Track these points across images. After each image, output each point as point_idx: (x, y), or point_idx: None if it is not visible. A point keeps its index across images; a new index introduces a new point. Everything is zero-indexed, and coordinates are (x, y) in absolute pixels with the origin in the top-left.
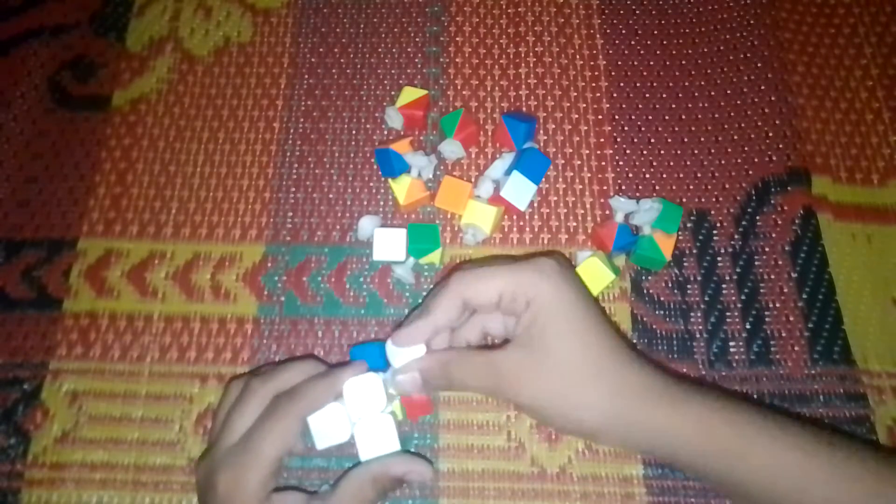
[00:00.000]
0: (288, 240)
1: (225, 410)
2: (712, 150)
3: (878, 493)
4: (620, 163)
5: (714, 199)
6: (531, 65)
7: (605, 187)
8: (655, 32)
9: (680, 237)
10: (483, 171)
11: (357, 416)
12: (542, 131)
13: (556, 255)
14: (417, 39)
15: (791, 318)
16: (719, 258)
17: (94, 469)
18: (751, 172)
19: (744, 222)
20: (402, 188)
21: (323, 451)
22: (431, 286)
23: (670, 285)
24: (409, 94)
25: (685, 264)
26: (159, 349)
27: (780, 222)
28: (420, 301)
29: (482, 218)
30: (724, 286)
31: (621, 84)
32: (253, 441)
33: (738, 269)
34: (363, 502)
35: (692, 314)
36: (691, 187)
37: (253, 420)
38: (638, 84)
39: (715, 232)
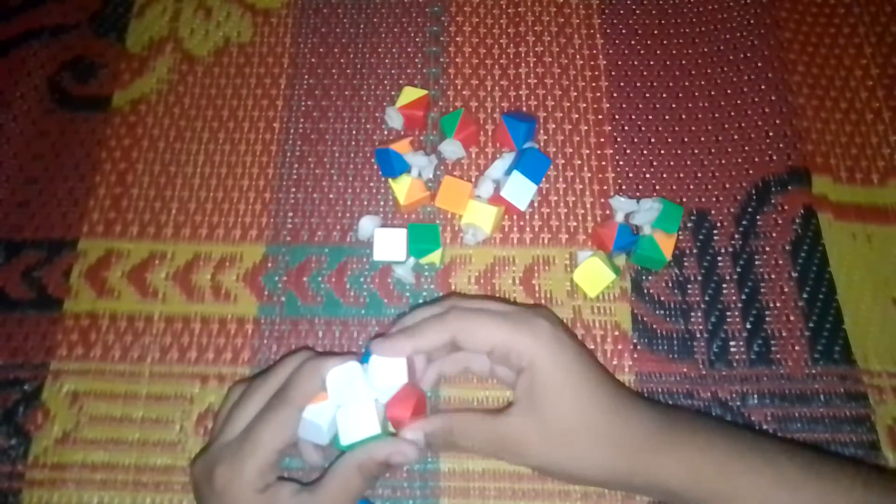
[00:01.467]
0: (288, 240)
1: (226, 412)
2: (712, 150)
3: None
4: (621, 163)
5: (714, 199)
6: (531, 65)
7: (605, 187)
8: (655, 32)
9: (680, 237)
10: (483, 170)
11: (340, 402)
12: (542, 131)
13: (548, 315)
14: (417, 39)
15: (791, 318)
16: (720, 258)
17: (95, 470)
18: (751, 172)
19: (744, 222)
20: (403, 188)
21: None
22: (432, 287)
23: (671, 285)
24: (409, 94)
25: (685, 264)
26: (160, 350)
27: (780, 222)
28: (420, 301)
29: (482, 218)
30: (724, 286)
31: (621, 84)
32: (252, 433)
33: (738, 269)
34: (351, 490)
35: (692, 314)
36: (691, 187)
37: (250, 417)
38: (638, 84)
39: (715, 232)
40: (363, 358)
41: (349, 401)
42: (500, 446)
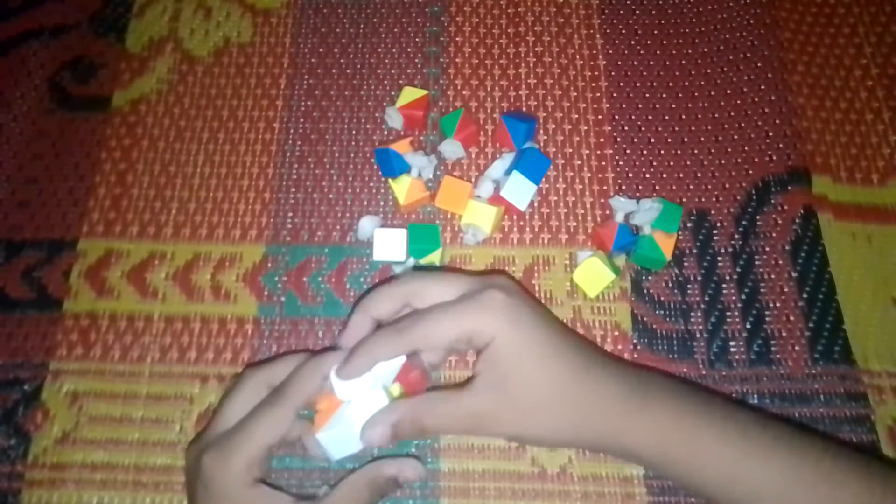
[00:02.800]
0: (288, 240)
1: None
2: (712, 150)
3: (829, 498)
4: (620, 163)
5: (714, 199)
6: (531, 65)
7: (605, 187)
8: (655, 32)
9: (680, 237)
10: (483, 171)
11: (346, 398)
12: (542, 131)
13: (504, 284)
14: (417, 39)
15: (791, 318)
16: (719, 258)
17: (95, 470)
18: (751, 172)
19: (744, 222)
20: (402, 188)
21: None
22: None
23: (670, 285)
24: (409, 94)
25: (685, 264)
26: (160, 350)
27: (780, 222)
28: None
29: (482, 218)
30: (724, 286)
31: (621, 84)
32: (246, 425)
33: (738, 269)
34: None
35: (692, 314)
36: (691, 187)
37: (244, 409)
38: (638, 84)
39: (715, 232)
40: None
41: (355, 394)
42: (470, 423)
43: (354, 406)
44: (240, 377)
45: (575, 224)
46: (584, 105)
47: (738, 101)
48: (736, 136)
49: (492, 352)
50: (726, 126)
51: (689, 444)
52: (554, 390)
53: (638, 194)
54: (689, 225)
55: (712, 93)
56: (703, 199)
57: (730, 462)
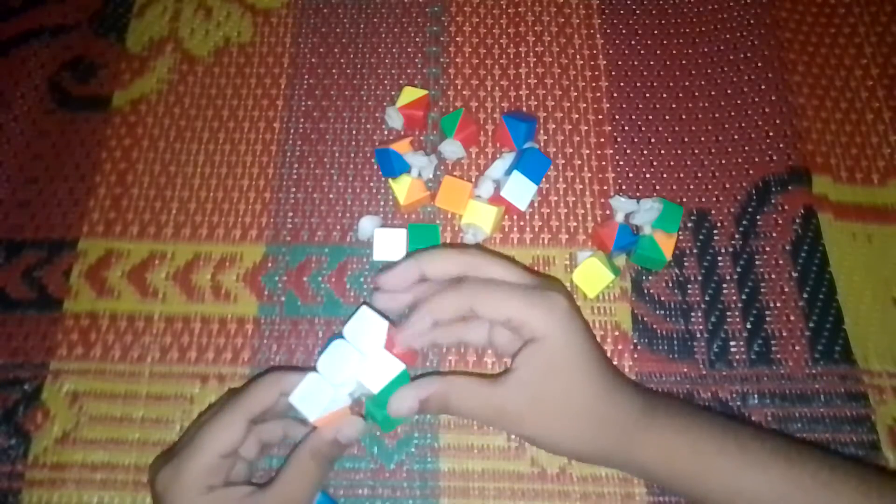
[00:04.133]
0: (288, 240)
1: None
2: (712, 150)
3: (827, 501)
4: (621, 163)
5: (714, 199)
6: (531, 65)
7: (605, 187)
8: (655, 32)
9: (680, 237)
10: (483, 171)
11: (337, 381)
12: (542, 131)
13: (564, 290)
14: (417, 39)
15: (792, 318)
16: (720, 258)
17: (95, 469)
18: (751, 172)
19: (744, 222)
20: (403, 188)
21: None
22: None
23: (671, 285)
24: (409, 94)
25: (686, 264)
26: (160, 349)
27: (780, 222)
28: None
29: (482, 218)
30: (724, 286)
31: (621, 84)
32: (196, 436)
33: (738, 269)
34: (308, 478)
35: (693, 314)
36: (691, 187)
37: None
38: (638, 84)
39: (715, 232)
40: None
41: (343, 375)
42: (495, 415)
43: (324, 361)
44: (220, 400)
45: (575, 224)
46: (585, 105)
47: (738, 101)
48: (736, 136)
49: (538, 350)
50: (726, 126)
51: (692, 458)
52: (584, 403)
53: (638, 194)
54: (689, 225)
55: (712, 93)
56: (703, 199)
57: (730, 473)
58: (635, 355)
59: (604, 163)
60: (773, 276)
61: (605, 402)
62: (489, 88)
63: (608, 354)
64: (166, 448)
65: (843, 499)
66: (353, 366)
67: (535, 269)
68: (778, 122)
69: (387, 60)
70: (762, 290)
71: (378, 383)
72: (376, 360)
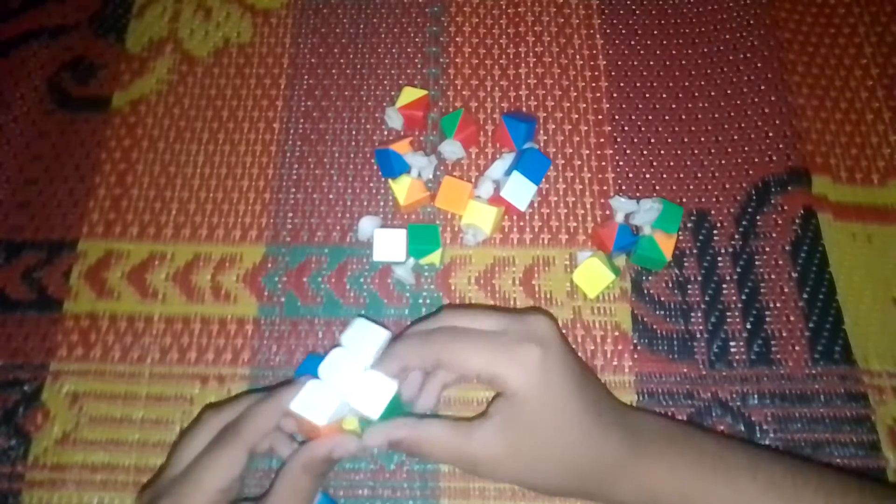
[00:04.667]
0: (288, 240)
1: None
2: (712, 150)
3: None
4: (620, 163)
5: (714, 199)
6: (531, 65)
7: (605, 187)
8: (655, 32)
9: (680, 237)
10: (483, 171)
11: (340, 389)
12: (542, 131)
13: (542, 336)
14: (417, 39)
15: (792, 318)
16: (720, 258)
17: (95, 470)
18: (751, 172)
19: (744, 222)
20: (402, 189)
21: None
22: (432, 288)
23: (671, 285)
24: (409, 94)
25: (685, 264)
26: (160, 350)
27: (780, 222)
28: (419, 302)
29: (482, 218)
30: (724, 286)
31: (621, 84)
32: (194, 471)
33: (738, 269)
34: (300, 492)
35: (693, 314)
36: (691, 187)
37: (198, 451)
38: (638, 84)
39: (715, 232)
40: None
41: (345, 383)
42: (468, 465)
43: (325, 368)
44: (198, 418)
45: (575, 224)
46: (584, 105)
47: (738, 101)
48: (736, 136)
49: (513, 404)
50: (726, 126)
51: (694, 475)
52: (564, 449)
53: (638, 194)
54: (689, 225)
55: (712, 93)
56: (703, 200)
57: (735, 488)
58: (635, 355)
59: (603, 163)
60: (773, 277)
61: (586, 449)
62: (489, 89)
63: (608, 355)
64: (151, 478)
65: None
66: (353, 375)
67: (534, 269)
68: (777, 122)
69: (387, 60)
70: (762, 290)
71: (375, 408)
72: (370, 382)
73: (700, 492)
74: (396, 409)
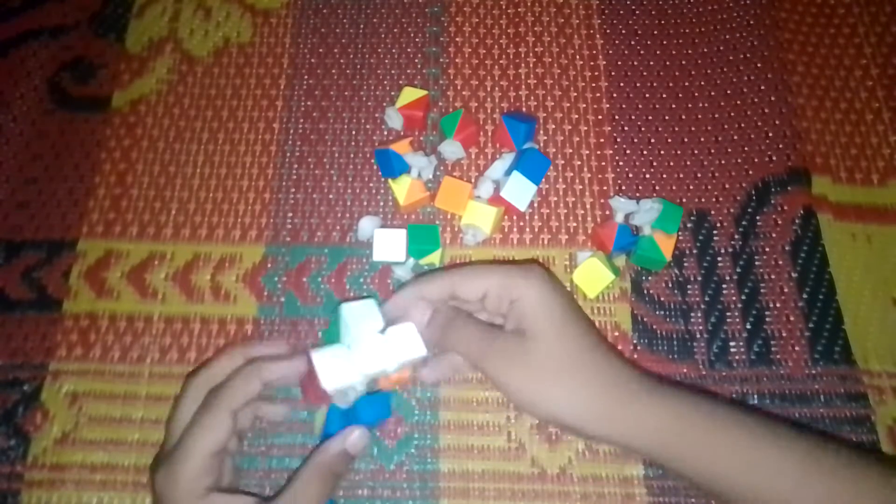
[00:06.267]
0: (288, 240)
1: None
2: (712, 150)
3: (849, 490)
4: (620, 163)
5: (714, 199)
6: (531, 65)
7: (605, 187)
8: (655, 32)
9: (680, 237)
10: (483, 171)
11: (329, 385)
12: (542, 132)
13: (542, 267)
14: (417, 39)
15: (791, 318)
16: (719, 258)
17: (95, 470)
18: (751, 172)
19: (744, 222)
20: (402, 189)
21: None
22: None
23: (670, 285)
24: (409, 94)
25: (685, 264)
26: (159, 350)
27: (780, 222)
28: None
29: (482, 218)
30: (724, 286)
31: (621, 84)
32: (184, 439)
33: (738, 270)
34: (317, 492)
35: (692, 314)
36: (691, 187)
37: (188, 418)
38: (638, 84)
39: (715, 232)
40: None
41: (363, 334)
42: (484, 355)
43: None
44: (183, 387)
45: (575, 224)
46: (584, 105)
47: (738, 101)
48: (736, 137)
49: (517, 308)
50: (726, 126)
51: (706, 428)
52: (573, 358)
53: (638, 194)
54: (689, 225)
55: (712, 93)
56: (703, 200)
57: (747, 447)
58: (635, 355)
59: (603, 163)
60: (773, 277)
61: (601, 362)
62: (489, 89)
63: None
64: (160, 449)
65: (866, 480)
66: (374, 342)
67: None
68: (777, 122)
69: (387, 60)
70: (762, 290)
71: (416, 348)
72: (391, 338)
73: (730, 423)
74: (383, 404)
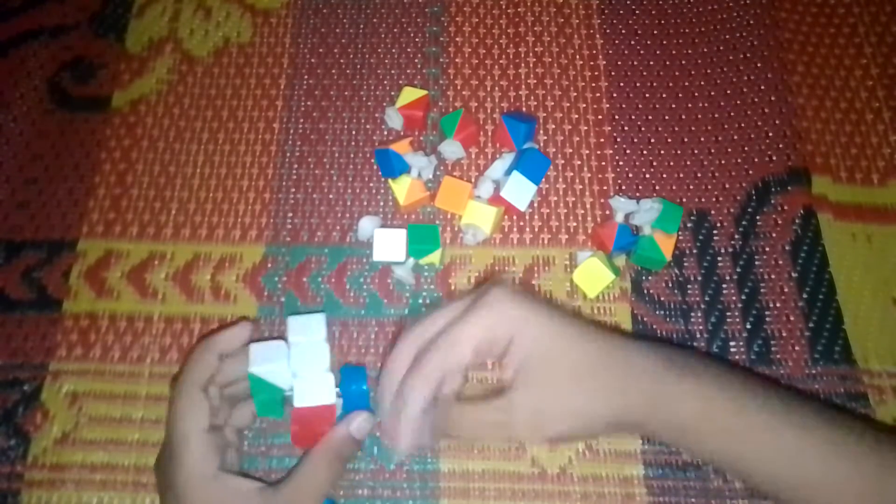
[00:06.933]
0: (288, 240)
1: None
2: (712, 150)
3: (874, 472)
4: (620, 163)
5: (714, 199)
6: (531, 65)
7: (605, 187)
8: (655, 32)
9: (680, 237)
10: (483, 171)
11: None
12: (542, 131)
13: (499, 284)
14: (417, 39)
15: (791, 318)
16: (719, 258)
17: (95, 470)
18: (751, 172)
19: (744, 222)
20: (402, 189)
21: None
22: (432, 288)
23: (671, 285)
24: (409, 94)
25: (685, 264)
26: (159, 350)
27: (780, 222)
28: (420, 302)
29: (482, 218)
30: (724, 286)
31: (621, 84)
32: (173, 427)
33: (738, 269)
34: (322, 477)
35: (692, 314)
36: (691, 187)
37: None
38: (638, 84)
39: (715, 232)
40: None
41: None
42: (512, 431)
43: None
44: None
45: (575, 224)
46: (584, 105)
47: (738, 101)
48: (736, 136)
49: (517, 352)
50: (726, 126)
51: (734, 412)
52: (588, 368)
53: (638, 194)
54: (689, 225)
55: (712, 93)
56: (703, 200)
57: (774, 430)
58: None
59: (603, 163)
60: (773, 277)
61: (611, 360)
62: (489, 88)
63: None
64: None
65: (891, 467)
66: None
67: (534, 269)
68: (777, 122)
69: (387, 60)
70: (762, 290)
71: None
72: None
73: (755, 407)
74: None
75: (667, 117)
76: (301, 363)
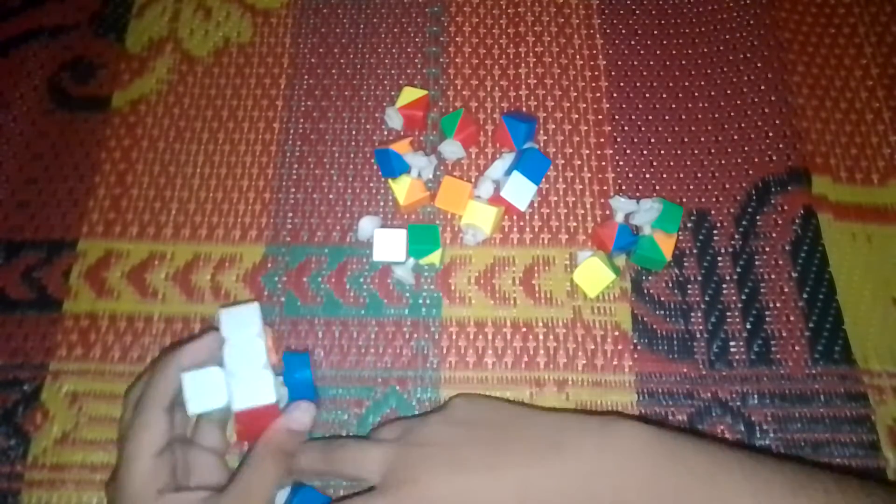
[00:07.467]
0: (288, 240)
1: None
2: (712, 150)
3: None
4: (620, 163)
5: (714, 199)
6: (531, 65)
7: (605, 187)
8: (655, 32)
9: (680, 237)
10: (483, 171)
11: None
12: (542, 131)
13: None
14: (417, 39)
15: (791, 318)
16: (719, 258)
17: (95, 470)
18: (751, 172)
19: (744, 222)
20: (402, 189)
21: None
22: (432, 288)
23: (671, 285)
24: (409, 94)
25: (685, 264)
26: (160, 350)
27: (780, 222)
28: (420, 302)
29: (482, 218)
30: (724, 286)
31: (621, 84)
32: (124, 445)
33: (738, 269)
34: (268, 475)
35: (692, 314)
36: (691, 187)
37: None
38: (638, 84)
39: (715, 232)
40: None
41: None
42: None
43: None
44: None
45: (575, 224)
46: (584, 105)
47: (738, 101)
48: (736, 136)
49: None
50: (726, 126)
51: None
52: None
53: (638, 194)
54: (689, 225)
55: (712, 93)
56: (703, 200)
57: None
58: (635, 355)
59: (603, 163)
60: (773, 277)
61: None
62: (489, 88)
63: (608, 355)
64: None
65: None
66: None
67: (534, 269)
68: (777, 122)
69: (387, 60)
70: (762, 290)
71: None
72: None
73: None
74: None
75: (667, 117)
76: (236, 362)
